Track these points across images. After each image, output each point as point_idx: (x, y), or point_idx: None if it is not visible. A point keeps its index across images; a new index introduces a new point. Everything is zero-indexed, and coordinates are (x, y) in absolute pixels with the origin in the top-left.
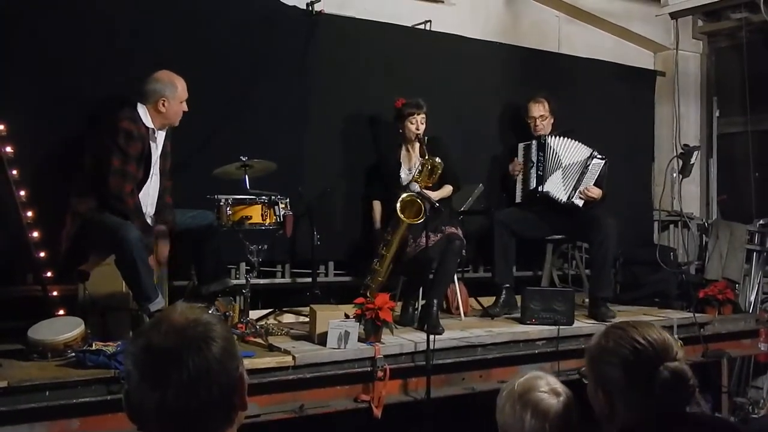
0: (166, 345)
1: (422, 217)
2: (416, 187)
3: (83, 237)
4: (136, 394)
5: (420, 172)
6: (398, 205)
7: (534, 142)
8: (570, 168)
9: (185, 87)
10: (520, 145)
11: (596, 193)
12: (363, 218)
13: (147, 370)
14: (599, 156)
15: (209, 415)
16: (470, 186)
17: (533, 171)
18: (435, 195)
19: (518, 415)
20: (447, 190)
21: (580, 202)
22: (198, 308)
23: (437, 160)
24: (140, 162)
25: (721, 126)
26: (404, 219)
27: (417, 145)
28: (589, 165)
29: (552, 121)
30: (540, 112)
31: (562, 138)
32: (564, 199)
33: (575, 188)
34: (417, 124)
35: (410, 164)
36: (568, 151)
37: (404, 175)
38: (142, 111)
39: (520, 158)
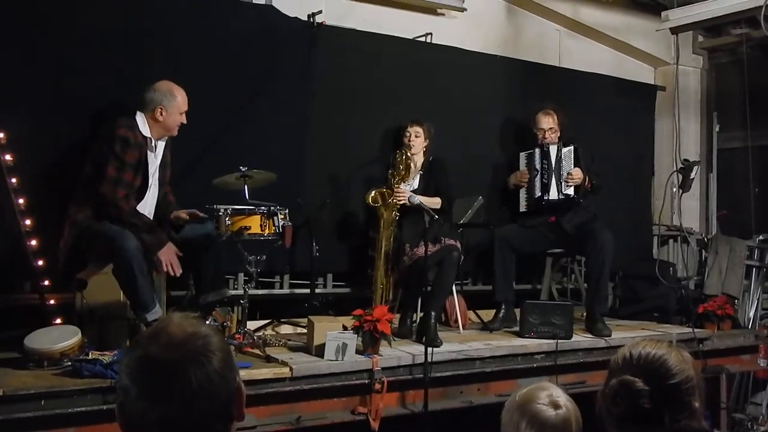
0: (166, 358)
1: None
2: (417, 200)
3: (81, 246)
4: (135, 406)
5: (396, 168)
6: (369, 197)
7: (537, 150)
8: (557, 168)
9: (185, 98)
10: (522, 155)
11: (577, 173)
12: (362, 230)
13: (148, 383)
14: (566, 145)
15: (209, 427)
16: (470, 198)
17: (537, 179)
18: (424, 200)
19: (515, 424)
20: (435, 200)
21: (570, 191)
22: (194, 319)
23: (403, 152)
24: (137, 170)
25: (721, 141)
26: (370, 202)
27: (420, 160)
28: (560, 156)
29: (558, 134)
30: (549, 124)
31: (558, 145)
32: (556, 196)
33: (559, 180)
34: (410, 136)
35: (410, 178)
36: (557, 154)
37: (404, 187)
38: (140, 119)
39: (522, 167)
